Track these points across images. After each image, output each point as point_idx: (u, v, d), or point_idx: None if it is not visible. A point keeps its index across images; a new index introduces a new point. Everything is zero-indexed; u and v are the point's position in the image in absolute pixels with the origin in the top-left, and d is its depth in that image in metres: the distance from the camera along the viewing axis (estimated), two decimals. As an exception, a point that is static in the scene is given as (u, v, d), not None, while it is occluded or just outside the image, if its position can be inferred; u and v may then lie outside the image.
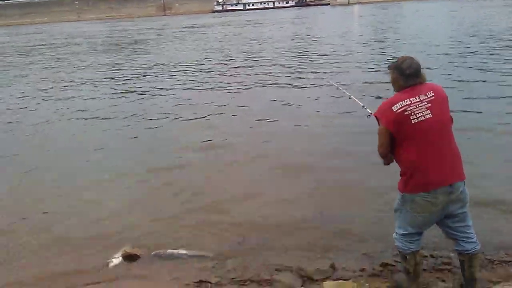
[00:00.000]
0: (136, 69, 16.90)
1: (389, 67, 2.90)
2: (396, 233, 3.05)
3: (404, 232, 2.98)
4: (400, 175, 2.91)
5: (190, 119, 9.08)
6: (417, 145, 2.75)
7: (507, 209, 4.52)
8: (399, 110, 2.70)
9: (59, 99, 12.14)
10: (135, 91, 12.68)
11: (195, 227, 4.65)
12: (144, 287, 3.65)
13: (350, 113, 7.88)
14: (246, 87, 12.14)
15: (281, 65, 15.44)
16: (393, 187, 3.12)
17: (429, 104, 2.72)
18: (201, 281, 3.65)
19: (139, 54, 22.37)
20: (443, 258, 3.66)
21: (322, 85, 11.05)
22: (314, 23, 40.33)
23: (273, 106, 9.73)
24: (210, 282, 3.63)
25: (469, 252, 2.94)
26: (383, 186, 5.06)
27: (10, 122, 9.95)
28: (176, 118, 9.22)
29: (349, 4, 76.80)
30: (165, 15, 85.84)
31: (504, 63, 12.49)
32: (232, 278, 3.67)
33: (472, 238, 2.95)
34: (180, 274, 3.80)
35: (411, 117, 2.69)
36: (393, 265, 3.59)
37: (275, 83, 12.25)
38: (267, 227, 4.51)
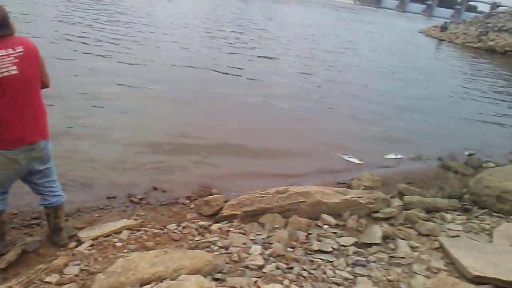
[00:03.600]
0: None
1: None
2: None
3: None
4: None
5: None
6: None
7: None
8: None
9: None
10: None
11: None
12: None
13: None
14: None
15: None
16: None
17: (17, 60, 2.63)
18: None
19: None
20: (32, 213, 3.76)
21: None
22: None
23: None
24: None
25: (53, 205, 3.16)
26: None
27: None
28: None
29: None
30: None
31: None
32: None
33: (57, 192, 3.17)
34: None
35: None
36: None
37: None
38: None
